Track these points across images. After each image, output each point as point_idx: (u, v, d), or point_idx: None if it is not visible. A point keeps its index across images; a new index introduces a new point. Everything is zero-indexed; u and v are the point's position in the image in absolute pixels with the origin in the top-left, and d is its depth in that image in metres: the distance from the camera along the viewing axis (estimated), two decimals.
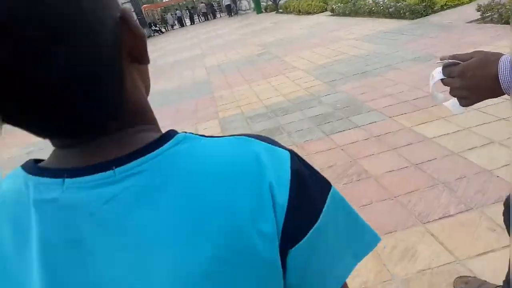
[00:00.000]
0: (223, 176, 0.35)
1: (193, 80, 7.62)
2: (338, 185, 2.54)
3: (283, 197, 0.35)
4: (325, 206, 0.38)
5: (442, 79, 0.79)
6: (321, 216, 0.37)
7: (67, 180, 0.34)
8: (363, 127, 3.36)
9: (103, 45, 0.33)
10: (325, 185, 0.40)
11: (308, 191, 0.37)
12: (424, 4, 7.74)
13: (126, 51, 0.36)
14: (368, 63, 5.45)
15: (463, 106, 0.79)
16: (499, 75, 0.69)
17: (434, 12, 7.82)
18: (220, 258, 0.33)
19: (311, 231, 0.36)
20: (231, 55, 9.57)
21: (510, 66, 0.67)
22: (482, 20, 5.99)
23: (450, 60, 0.77)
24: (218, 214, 0.34)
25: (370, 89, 4.31)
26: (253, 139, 0.38)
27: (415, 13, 7.72)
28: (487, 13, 5.93)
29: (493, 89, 0.71)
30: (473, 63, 0.73)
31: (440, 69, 0.79)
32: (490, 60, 0.71)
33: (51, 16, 0.29)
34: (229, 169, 0.35)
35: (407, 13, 7.88)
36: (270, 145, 0.38)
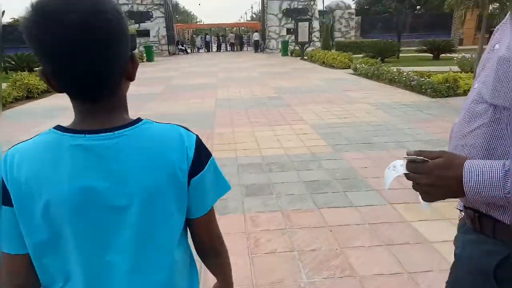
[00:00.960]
0: (166, 141, 0.73)
1: (199, 110, 7.41)
2: (316, 278, 2.17)
3: (191, 153, 0.74)
4: (207, 164, 0.77)
5: (405, 174, 0.80)
6: (205, 168, 0.76)
7: (87, 135, 0.67)
8: (359, 209, 3.02)
9: (123, 60, 0.70)
10: (209, 155, 0.78)
11: (201, 154, 0.76)
12: (448, 85, 7.61)
13: (127, 70, 0.72)
14: (377, 133, 5.20)
15: (426, 201, 0.83)
16: (463, 181, 0.74)
17: (456, 95, 7.67)
18: (166, 178, 0.71)
19: (199, 174, 0.75)
20: (244, 92, 9.44)
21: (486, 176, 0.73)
22: None
23: (416, 156, 0.78)
24: (164, 159, 0.71)
25: (374, 164, 4.01)
26: (180, 127, 0.77)
27: (436, 92, 7.57)
28: None
29: (457, 191, 0.76)
30: (441, 163, 0.76)
31: (401, 162, 0.81)
32: (456, 162, 0.76)
33: (113, 35, 0.66)
34: (168, 137, 0.73)
35: (428, 90, 7.74)
36: (187, 130, 0.77)
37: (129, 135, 0.69)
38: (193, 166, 0.73)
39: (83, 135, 0.67)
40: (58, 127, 0.69)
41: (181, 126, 0.76)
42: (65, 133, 0.67)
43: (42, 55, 0.63)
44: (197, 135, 0.77)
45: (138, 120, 0.72)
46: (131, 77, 0.73)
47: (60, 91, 0.68)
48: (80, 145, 0.66)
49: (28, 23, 0.62)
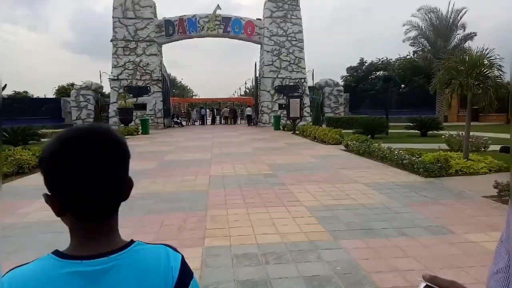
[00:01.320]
0: (155, 263, 0.79)
1: (192, 188, 7.29)
2: None
3: (176, 274, 0.80)
4: (189, 285, 0.82)
5: None
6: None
7: (83, 261, 0.73)
8: None
9: (126, 183, 0.80)
10: (191, 275, 0.83)
11: (184, 275, 0.81)
12: (439, 165, 7.70)
13: (123, 191, 0.80)
14: (376, 218, 5.07)
15: None
16: None
17: (448, 174, 7.72)
18: None
19: None
20: (238, 168, 9.43)
21: None
22: (499, 198, 5.75)
23: (428, 283, 0.80)
24: (153, 278, 0.77)
25: (376, 255, 3.83)
26: (168, 247, 0.84)
27: (429, 172, 7.62)
28: (504, 192, 5.71)
29: None
30: None
31: (424, 284, 0.83)
32: None
33: (125, 158, 0.80)
34: (156, 259, 0.80)
35: (420, 169, 7.80)
36: (173, 251, 0.84)
37: (122, 259, 0.76)
38: (176, 285, 0.79)
39: (80, 261, 0.73)
40: (56, 253, 0.75)
41: (169, 246, 0.84)
42: (62, 259, 0.73)
43: (65, 179, 0.72)
44: (182, 255, 0.84)
45: (131, 242, 0.80)
46: (126, 197, 0.81)
47: (61, 214, 0.76)
48: (76, 272, 0.72)
49: (56, 153, 0.72)
